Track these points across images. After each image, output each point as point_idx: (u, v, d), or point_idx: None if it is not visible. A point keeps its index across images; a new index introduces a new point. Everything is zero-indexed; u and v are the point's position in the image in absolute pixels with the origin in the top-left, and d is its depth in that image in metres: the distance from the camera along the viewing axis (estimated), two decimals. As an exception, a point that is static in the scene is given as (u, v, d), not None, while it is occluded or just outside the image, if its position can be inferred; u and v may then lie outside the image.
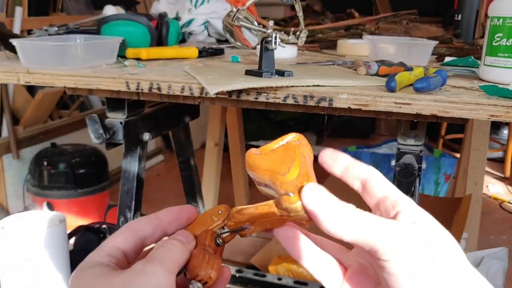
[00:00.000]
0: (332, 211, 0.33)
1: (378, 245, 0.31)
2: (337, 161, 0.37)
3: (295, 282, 1.68)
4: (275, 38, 0.84)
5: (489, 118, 0.70)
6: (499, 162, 3.33)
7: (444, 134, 3.38)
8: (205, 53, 1.16)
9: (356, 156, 2.72)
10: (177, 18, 1.35)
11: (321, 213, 0.33)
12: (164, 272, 0.33)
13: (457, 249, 0.33)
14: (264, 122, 3.83)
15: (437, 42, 1.13)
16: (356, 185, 0.37)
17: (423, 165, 0.88)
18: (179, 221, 0.40)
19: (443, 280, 0.31)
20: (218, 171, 2.10)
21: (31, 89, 2.51)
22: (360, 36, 1.41)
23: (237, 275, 1.69)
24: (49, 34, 1.16)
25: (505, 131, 3.43)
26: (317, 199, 0.33)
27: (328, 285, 0.39)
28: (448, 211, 1.91)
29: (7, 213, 2.25)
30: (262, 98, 0.79)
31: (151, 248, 0.37)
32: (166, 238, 0.38)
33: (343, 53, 1.30)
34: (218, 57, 1.19)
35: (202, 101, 0.93)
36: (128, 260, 0.37)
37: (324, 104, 0.77)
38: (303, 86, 0.78)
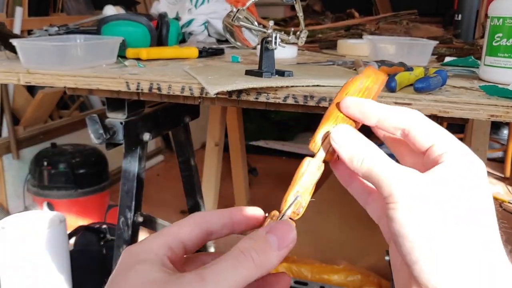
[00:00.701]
0: (352, 142, 0.34)
1: (389, 186, 0.30)
2: (367, 112, 0.35)
3: (295, 282, 1.68)
4: (275, 38, 0.84)
5: (489, 118, 0.70)
6: (499, 162, 3.33)
7: (444, 134, 3.37)
8: (205, 53, 1.16)
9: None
10: (177, 18, 1.35)
11: (341, 143, 0.34)
12: None
13: (481, 219, 0.31)
14: (264, 122, 3.83)
15: (437, 42, 1.13)
16: (398, 134, 0.35)
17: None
18: (248, 223, 0.36)
19: (459, 246, 0.29)
20: (218, 171, 2.10)
21: (31, 89, 2.51)
22: (360, 36, 1.41)
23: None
24: (49, 34, 1.16)
25: (505, 131, 3.43)
26: (342, 132, 0.35)
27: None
28: (448, 211, 1.91)
29: (7, 213, 2.25)
30: (262, 98, 0.79)
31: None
32: (254, 237, 0.31)
33: (343, 53, 1.30)
34: (218, 57, 1.19)
35: (202, 101, 0.93)
36: (187, 250, 0.33)
37: (325, 104, 0.77)
38: (303, 86, 0.78)
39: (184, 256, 0.34)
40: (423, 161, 0.33)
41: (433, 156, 0.32)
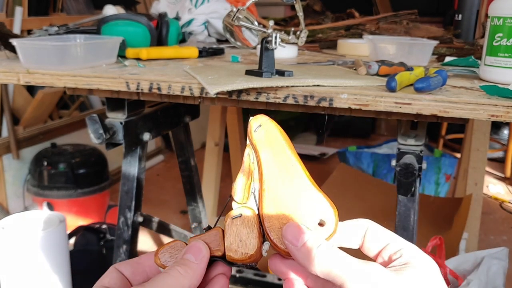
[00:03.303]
0: (305, 248, 0.35)
1: (345, 282, 0.32)
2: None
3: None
4: (275, 38, 0.84)
5: (489, 118, 0.70)
6: (500, 162, 3.33)
7: (445, 134, 3.38)
8: (205, 53, 1.16)
9: (357, 156, 2.73)
10: (177, 18, 1.35)
11: (294, 249, 0.35)
12: None
13: None
14: (264, 122, 3.83)
15: (438, 42, 1.13)
16: (355, 244, 0.38)
17: (424, 165, 0.88)
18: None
19: None
20: (218, 171, 2.10)
21: (31, 89, 2.51)
22: (360, 36, 1.41)
23: (237, 275, 1.69)
24: (49, 34, 1.16)
25: (506, 131, 3.43)
26: (293, 236, 0.36)
27: None
28: (449, 211, 1.91)
29: (7, 213, 2.25)
30: (262, 98, 0.79)
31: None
32: (176, 261, 0.38)
33: (343, 53, 1.30)
34: (218, 57, 1.18)
35: (202, 101, 0.92)
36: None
37: (325, 104, 0.77)
38: (303, 86, 0.78)
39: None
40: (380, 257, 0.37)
41: (389, 255, 0.36)
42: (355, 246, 0.38)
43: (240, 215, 0.38)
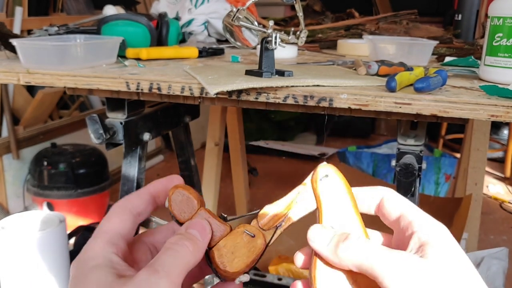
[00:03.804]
0: (333, 244, 0.34)
1: (380, 274, 0.32)
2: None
3: (295, 282, 1.67)
4: (275, 38, 0.84)
5: (489, 118, 0.70)
6: (499, 162, 3.33)
7: (444, 134, 3.38)
8: (205, 53, 1.16)
9: (356, 156, 2.73)
10: (177, 18, 1.35)
11: (322, 248, 0.34)
12: (169, 284, 0.32)
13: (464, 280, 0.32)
14: (264, 122, 3.84)
15: (437, 42, 1.13)
16: (372, 210, 0.38)
17: (423, 165, 0.88)
18: (167, 193, 0.39)
19: None
20: (218, 171, 2.10)
21: (31, 89, 2.51)
22: (360, 36, 1.41)
23: (237, 275, 1.69)
24: (49, 34, 1.16)
25: (505, 131, 3.43)
26: (317, 238, 0.35)
27: None
28: (448, 211, 1.91)
29: (7, 213, 2.25)
30: (262, 98, 0.79)
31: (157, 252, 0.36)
32: (179, 233, 0.36)
33: (343, 53, 1.30)
34: (218, 57, 1.19)
35: (202, 101, 0.93)
36: (126, 239, 0.36)
37: (324, 104, 0.77)
38: (303, 86, 0.78)
39: (127, 244, 0.36)
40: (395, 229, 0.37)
41: (402, 224, 0.35)
42: (371, 211, 0.38)
43: (253, 236, 0.37)
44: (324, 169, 0.37)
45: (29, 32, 1.46)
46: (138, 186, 1.09)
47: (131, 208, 0.37)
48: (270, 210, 0.38)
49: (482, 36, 1.15)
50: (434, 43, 1.07)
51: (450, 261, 0.32)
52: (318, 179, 0.37)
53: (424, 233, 0.34)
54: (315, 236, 0.35)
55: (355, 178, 2.22)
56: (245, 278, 0.37)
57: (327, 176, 0.37)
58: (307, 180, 0.38)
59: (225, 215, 0.39)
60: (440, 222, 0.35)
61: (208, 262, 0.37)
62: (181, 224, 0.37)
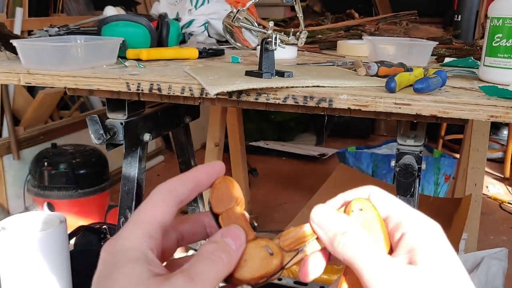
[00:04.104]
0: (332, 233, 0.34)
1: (365, 275, 0.31)
2: (333, 215, 0.35)
3: (295, 282, 1.68)
4: (275, 38, 0.84)
5: (488, 119, 0.70)
6: (499, 162, 3.33)
7: (444, 135, 3.38)
8: (205, 53, 1.16)
9: (356, 156, 2.72)
10: (177, 19, 1.35)
11: (321, 233, 0.34)
12: None
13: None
14: (264, 122, 3.84)
15: (437, 42, 1.13)
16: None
17: (423, 166, 0.89)
18: (211, 180, 0.37)
19: None
20: (218, 171, 2.10)
21: (32, 90, 2.51)
22: (360, 37, 1.41)
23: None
24: (50, 35, 1.16)
25: (505, 132, 3.43)
26: (322, 215, 0.34)
27: None
28: (448, 212, 1.91)
29: (7, 213, 2.25)
30: (262, 99, 0.80)
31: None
32: (215, 241, 0.34)
33: (343, 54, 1.30)
34: (218, 57, 1.19)
35: (202, 102, 0.93)
36: (164, 230, 0.34)
37: (324, 104, 0.77)
38: (303, 86, 0.78)
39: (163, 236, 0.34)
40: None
41: (391, 224, 0.34)
42: None
43: (271, 254, 0.35)
44: (360, 203, 0.36)
45: (30, 32, 1.46)
46: (139, 187, 1.09)
47: (175, 195, 0.35)
48: (295, 231, 0.36)
49: (482, 37, 1.15)
50: (434, 43, 1.08)
51: (440, 268, 0.31)
52: (350, 211, 0.35)
53: (413, 236, 0.33)
54: (319, 218, 0.34)
55: (355, 179, 2.22)
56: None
57: (362, 210, 0.35)
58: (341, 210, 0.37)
59: (256, 225, 0.38)
60: (433, 220, 0.34)
61: None
62: (214, 214, 0.36)
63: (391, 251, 0.34)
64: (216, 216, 0.37)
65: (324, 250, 0.36)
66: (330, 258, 0.37)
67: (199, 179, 0.36)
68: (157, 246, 0.33)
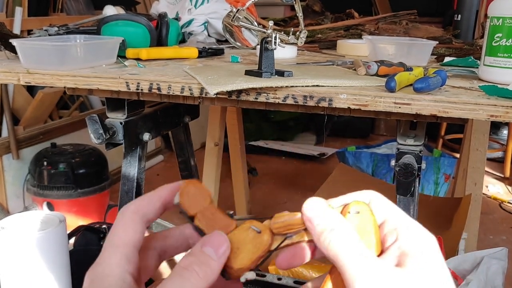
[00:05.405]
0: (320, 229, 0.33)
1: (347, 272, 0.31)
2: (325, 210, 0.35)
3: (295, 282, 1.68)
4: (275, 38, 0.84)
5: (488, 118, 0.70)
6: (499, 162, 3.33)
7: (444, 134, 3.38)
8: (205, 53, 1.16)
9: (356, 156, 2.73)
10: (177, 18, 1.35)
11: (311, 228, 0.34)
12: None
13: None
14: (263, 122, 3.84)
15: (437, 42, 1.13)
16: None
17: (423, 165, 0.88)
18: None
19: None
20: (218, 171, 2.10)
21: (31, 89, 2.51)
22: (359, 36, 1.41)
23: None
24: (49, 34, 1.16)
25: (505, 131, 3.43)
26: (314, 209, 0.34)
27: None
28: (448, 211, 1.91)
29: (7, 213, 2.25)
30: (262, 98, 0.79)
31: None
32: (193, 253, 0.33)
33: (342, 53, 1.30)
34: (218, 57, 1.19)
35: (202, 101, 0.93)
36: (138, 251, 0.35)
37: (324, 104, 0.77)
38: (302, 86, 0.78)
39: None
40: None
41: (387, 230, 0.34)
42: None
43: (259, 232, 0.35)
44: (358, 206, 0.35)
45: (29, 32, 1.46)
46: (138, 186, 1.09)
47: (142, 215, 0.35)
48: (287, 216, 0.36)
49: (482, 36, 1.15)
50: (434, 43, 1.08)
51: (427, 274, 0.31)
52: (347, 212, 0.35)
53: (407, 242, 0.32)
54: (310, 211, 0.34)
55: (355, 178, 2.22)
56: (251, 275, 0.35)
57: (359, 213, 0.35)
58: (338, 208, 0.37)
59: (232, 212, 0.37)
60: (429, 232, 0.34)
61: None
62: (190, 218, 0.36)
63: (380, 255, 0.34)
64: (192, 219, 0.36)
65: (311, 242, 0.35)
66: (315, 254, 0.36)
67: (164, 198, 0.37)
68: (135, 268, 0.33)
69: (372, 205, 0.36)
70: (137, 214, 0.35)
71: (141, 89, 0.86)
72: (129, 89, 0.87)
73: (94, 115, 0.96)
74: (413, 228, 0.34)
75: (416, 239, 0.33)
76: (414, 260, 0.31)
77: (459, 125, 2.83)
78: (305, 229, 0.35)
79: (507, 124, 3.27)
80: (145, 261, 0.36)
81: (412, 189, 0.89)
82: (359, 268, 0.31)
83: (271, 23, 0.86)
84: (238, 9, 0.90)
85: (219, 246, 0.33)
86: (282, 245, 0.36)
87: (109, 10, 1.28)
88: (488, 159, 3.17)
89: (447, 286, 0.31)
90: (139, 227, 0.35)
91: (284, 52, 1.12)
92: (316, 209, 0.34)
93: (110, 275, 0.32)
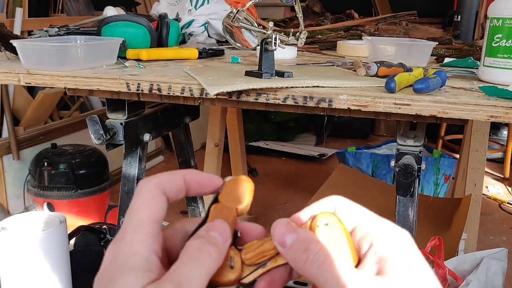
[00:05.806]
0: (293, 250, 0.32)
1: None
2: (294, 232, 0.33)
3: (295, 282, 1.68)
4: (275, 39, 0.85)
5: (488, 119, 0.70)
6: (499, 162, 3.33)
7: (444, 135, 3.38)
8: (205, 54, 1.16)
9: (356, 157, 2.72)
10: (177, 19, 1.36)
11: (282, 251, 0.33)
12: None
13: None
14: (264, 123, 3.84)
15: (437, 43, 1.13)
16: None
17: (423, 166, 0.89)
18: (201, 189, 0.36)
19: None
20: (218, 171, 2.10)
21: (32, 90, 2.51)
22: (359, 37, 1.41)
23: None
24: (50, 35, 1.16)
25: (505, 132, 3.43)
26: (282, 233, 0.33)
27: None
28: (448, 212, 1.91)
29: (7, 214, 2.25)
30: (262, 99, 0.80)
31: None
32: (201, 235, 0.33)
33: (342, 54, 1.30)
34: (218, 58, 1.19)
35: (202, 102, 0.93)
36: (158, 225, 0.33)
37: (324, 105, 0.77)
38: (302, 87, 0.78)
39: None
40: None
41: (359, 235, 0.33)
42: None
43: (231, 268, 0.34)
44: (325, 217, 0.34)
45: (30, 33, 1.46)
46: (138, 187, 1.09)
47: (164, 192, 0.34)
48: (257, 245, 0.35)
49: (482, 37, 1.15)
50: (434, 44, 1.08)
51: (410, 278, 0.30)
52: (316, 225, 0.34)
53: (382, 245, 0.32)
54: (280, 235, 0.33)
55: (355, 179, 2.22)
56: None
57: (327, 225, 0.34)
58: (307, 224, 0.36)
59: (239, 236, 0.36)
60: (401, 228, 0.33)
61: None
62: (213, 202, 0.36)
63: (359, 264, 0.33)
64: (208, 211, 0.36)
65: (287, 265, 0.34)
66: (293, 275, 0.35)
67: (189, 182, 0.35)
68: (159, 247, 0.32)
69: (339, 212, 0.34)
70: (159, 188, 0.34)
71: (142, 90, 0.86)
72: (130, 90, 0.87)
73: (95, 115, 0.96)
74: (386, 229, 0.33)
75: (391, 240, 0.32)
76: (395, 265, 0.31)
77: (459, 125, 2.83)
78: (278, 253, 0.34)
79: (507, 124, 3.27)
80: (169, 241, 0.35)
81: (412, 190, 0.89)
82: (339, 285, 0.30)
83: (271, 24, 0.86)
84: (238, 10, 0.90)
85: (223, 232, 0.33)
86: (255, 274, 0.34)
87: (110, 11, 1.28)
88: (488, 160, 3.16)
89: (430, 283, 0.30)
90: (162, 203, 0.33)
91: (284, 53, 1.12)
92: (285, 232, 0.33)
93: (134, 253, 0.31)
